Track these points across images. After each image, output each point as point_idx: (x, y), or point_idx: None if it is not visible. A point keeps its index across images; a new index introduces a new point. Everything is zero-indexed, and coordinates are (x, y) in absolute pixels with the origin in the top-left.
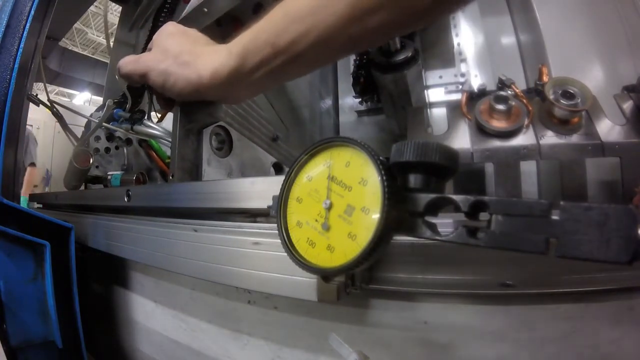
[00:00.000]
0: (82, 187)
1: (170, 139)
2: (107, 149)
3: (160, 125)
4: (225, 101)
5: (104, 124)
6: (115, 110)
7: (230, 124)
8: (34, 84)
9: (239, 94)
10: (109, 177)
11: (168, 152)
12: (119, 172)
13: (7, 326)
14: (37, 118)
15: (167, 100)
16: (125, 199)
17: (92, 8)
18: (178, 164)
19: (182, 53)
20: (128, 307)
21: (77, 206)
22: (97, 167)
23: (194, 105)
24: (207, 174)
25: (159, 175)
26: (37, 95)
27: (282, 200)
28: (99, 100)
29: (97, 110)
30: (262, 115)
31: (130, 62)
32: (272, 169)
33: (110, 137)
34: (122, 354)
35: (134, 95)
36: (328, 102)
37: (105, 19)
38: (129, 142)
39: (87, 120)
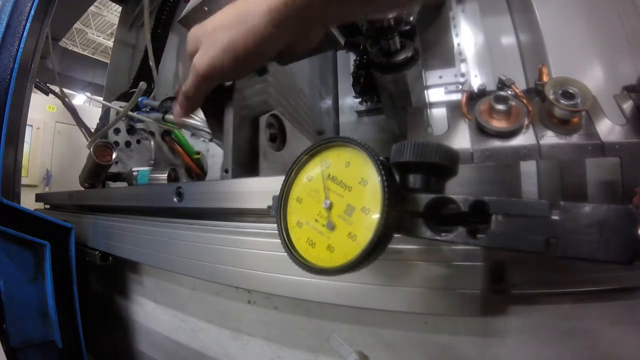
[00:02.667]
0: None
1: (209, 130)
2: (128, 143)
3: (197, 115)
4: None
5: (129, 112)
6: (140, 99)
7: (283, 113)
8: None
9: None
10: (134, 173)
11: (197, 146)
12: (146, 169)
13: (7, 326)
14: (37, 118)
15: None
16: (175, 199)
17: (92, 8)
18: (234, 157)
19: (228, 17)
20: (128, 307)
21: (110, 208)
22: (116, 162)
23: (247, 90)
24: (262, 170)
25: (184, 173)
26: (46, 84)
27: (282, 200)
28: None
29: (115, 100)
30: (309, 106)
31: (190, 81)
32: None
33: (130, 129)
34: (122, 354)
35: None
36: (328, 102)
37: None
38: (153, 134)
39: (103, 109)
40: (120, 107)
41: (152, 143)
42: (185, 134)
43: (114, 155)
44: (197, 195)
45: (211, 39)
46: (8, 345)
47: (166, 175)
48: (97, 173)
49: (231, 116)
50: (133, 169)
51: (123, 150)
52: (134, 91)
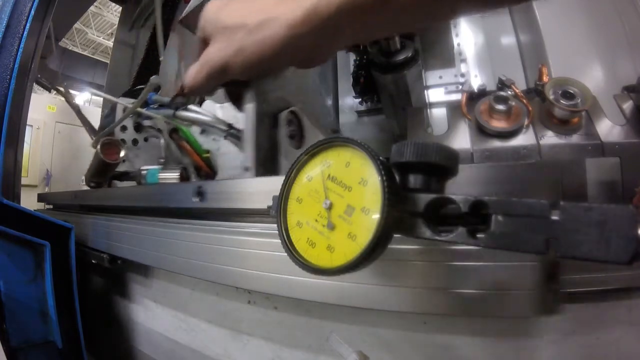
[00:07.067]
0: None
1: (222, 127)
2: (135, 141)
3: (207, 110)
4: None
5: (138, 109)
6: (149, 95)
7: (302, 109)
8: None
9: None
10: (143, 172)
11: (207, 144)
12: (155, 167)
13: (7, 326)
14: (37, 118)
15: (239, 92)
16: (196, 199)
17: (92, 8)
18: (256, 154)
19: (249, 16)
20: (128, 307)
21: (119, 208)
22: (123, 161)
23: (266, 85)
24: (283, 169)
25: (194, 172)
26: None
27: (282, 200)
28: (99, 100)
29: (110, 108)
30: (325, 105)
31: (196, 73)
32: None
33: (138, 127)
34: (122, 354)
35: None
36: (328, 102)
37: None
38: (161, 132)
39: (102, 108)
40: (129, 103)
41: (162, 141)
42: (194, 132)
43: (122, 154)
44: (220, 195)
45: (227, 36)
46: (8, 345)
47: (178, 174)
48: (103, 172)
49: (252, 111)
50: (141, 168)
51: (130, 149)
52: (141, 88)
